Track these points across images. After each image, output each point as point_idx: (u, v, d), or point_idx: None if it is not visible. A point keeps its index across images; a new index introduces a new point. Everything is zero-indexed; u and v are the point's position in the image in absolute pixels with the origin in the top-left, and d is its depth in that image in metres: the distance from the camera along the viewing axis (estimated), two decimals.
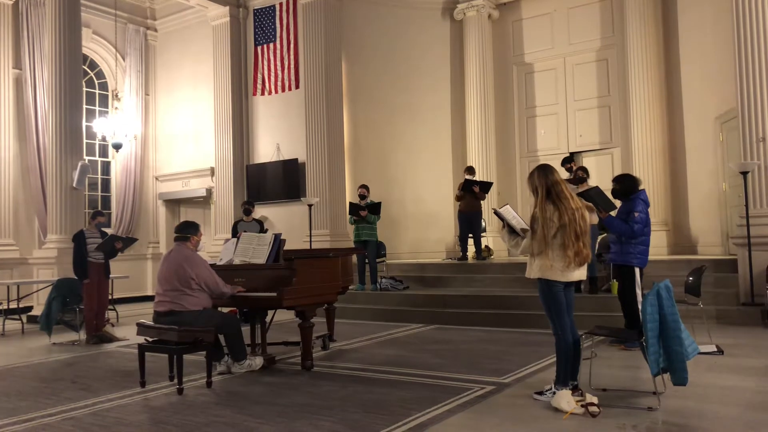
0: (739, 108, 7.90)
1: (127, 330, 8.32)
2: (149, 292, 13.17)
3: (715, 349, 5.87)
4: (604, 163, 12.07)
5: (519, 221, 4.60)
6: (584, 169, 8.11)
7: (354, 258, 9.97)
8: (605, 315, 7.42)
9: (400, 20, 13.04)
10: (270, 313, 6.50)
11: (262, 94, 12.73)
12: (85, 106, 12.73)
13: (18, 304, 9.58)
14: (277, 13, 12.52)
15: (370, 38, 12.84)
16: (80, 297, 8.10)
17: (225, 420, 4.17)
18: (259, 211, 12.00)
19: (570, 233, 4.25)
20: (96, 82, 13.80)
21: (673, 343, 4.07)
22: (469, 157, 12.80)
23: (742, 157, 7.89)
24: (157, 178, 14.27)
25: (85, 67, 13.01)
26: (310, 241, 10.89)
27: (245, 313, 7.66)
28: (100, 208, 12.25)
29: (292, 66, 12.27)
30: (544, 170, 4.42)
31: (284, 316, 7.72)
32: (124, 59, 13.85)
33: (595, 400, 4.11)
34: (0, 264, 11.44)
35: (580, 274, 4.43)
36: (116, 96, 13.86)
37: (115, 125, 12.23)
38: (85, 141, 12.22)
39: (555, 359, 4.50)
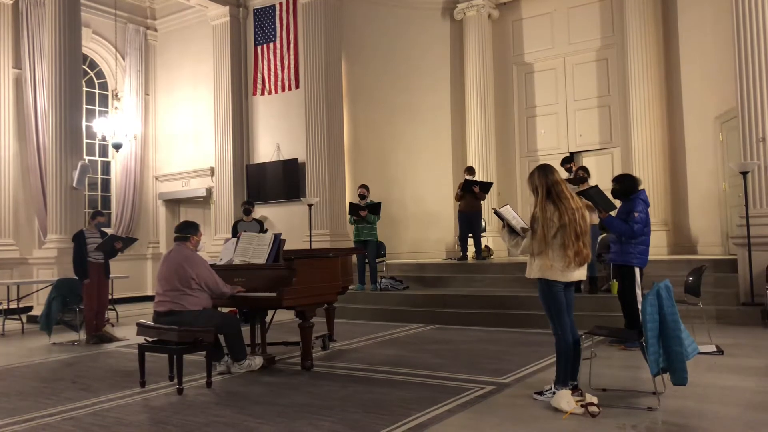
0: (739, 108, 7.90)
1: (127, 330, 8.32)
2: (149, 292, 13.16)
3: (715, 349, 5.87)
4: (604, 163, 12.07)
5: (519, 221, 4.61)
6: (585, 169, 8.11)
7: (354, 258, 9.97)
8: (605, 315, 7.42)
9: (400, 20, 13.04)
10: (270, 313, 6.50)
11: (262, 93, 12.73)
12: (85, 106, 12.73)
13: (18, 304, 9.59)
14: (277, 12, 12.52)
15: (370, 38, 12.84)
16: (80, 297, 8.10)
17: (225, 420, 4.18)
18: (259, 211, 12.00)
19: (570, 233, 4.25)
20: (96, 81, 13.80)
21: (673, 343, 4.07)
22: (469, 157, 12.81)
23: (742, 157, 7.89)
24: (157, 178, 14.27)
25: (85, 67, 13.01)
26: (310, 241, 10.89)
27: (245, 313, 7.66)
28: (100, 208, 12.27)
29: (292, 66, 12.27)
30: (544, 170, 4.42)
31: (284, 316, 7.72)
32: (124, 59, 13.85)
33: (594, 400, 4.11)
34: (0, 264, 11.45)
35: (580, 274, 4.43)
36: (116, 96, 13.86)
37: (115, 125, 12.22)
38: (85, 141, 12.22)
39: (555, 359, 4.50)
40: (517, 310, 8.33)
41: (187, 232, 5.54)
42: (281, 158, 12.36)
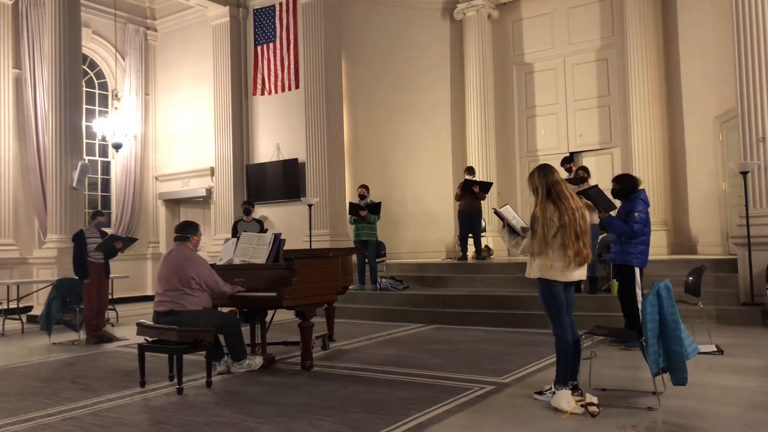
0: (739, 108, 7.90)
1: (126, 330, 8.32)
2: (149, 292, 13.16)
3: (715, 349, 5.87)
4: (604, 163, 12.07)
5: (519, 221, 4.61)
6: (585, 169, 8.11)
7: (354, 258, 9.97)
8: (605, 315, 7.42)
9: (400, 20, 13.04)
10: (270, 313, 6.50)
11: (262, 94, 12.73)
12: (85, 106, 12.73)
13: (18, 304, 9.58)
14: (277, 12, 12.51)
15: (370, 38, 12.84)
16: (80, 297, 8.10)
17: (225, 420, 4.17)
18: (259, 211, 12.00)
19: (570, 233, 4.25)
20: (96, 82, 13.79)
21: (673, 343, 4.07)
22: (469, 157, 12.81)
23: (742, 156, 7.88)
24: (157, 178, 14.27)
25: (85, 67, 13.00)
26: (310, 241, 10.89)
27: (245, 313, 7.66)
28: (100, 208, 12.26)
29: (292, 66, 12.27)
30: (545, 170, 4.42)
31: (284, 316, 7.71)
32: (123, 59, 13.85)
33: (594, 400, 4.11)
34: (0, 264, 11.45)
35: (580, 274, 4.43)
36: (116, 96, 13.86)
37: (115, 125, 12.23)
38: (85, 141, 12.22)
39: (555, 359, 4.50)
40: (517, 310, 8.33)
41: (187, 232, 5.54)
42: (281, 158, 12.36)
